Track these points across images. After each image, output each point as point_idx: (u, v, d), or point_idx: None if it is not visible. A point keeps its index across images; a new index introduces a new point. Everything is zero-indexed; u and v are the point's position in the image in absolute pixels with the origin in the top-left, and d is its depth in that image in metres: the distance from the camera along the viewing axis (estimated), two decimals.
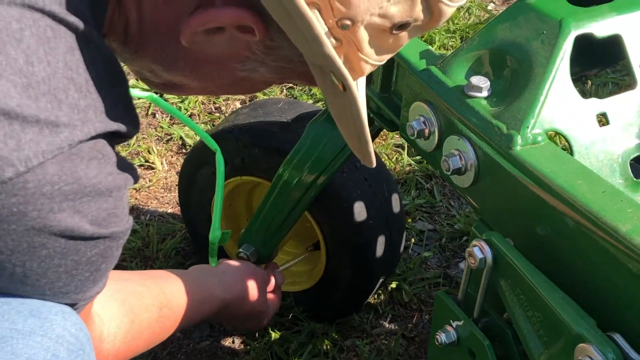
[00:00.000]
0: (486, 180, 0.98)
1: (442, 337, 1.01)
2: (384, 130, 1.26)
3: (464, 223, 1.89)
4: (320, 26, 0.69)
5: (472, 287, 0.99)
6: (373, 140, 1.37)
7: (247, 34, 0.75)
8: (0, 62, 0.61)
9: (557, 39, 0.95)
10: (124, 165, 0.73)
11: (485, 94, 0.99)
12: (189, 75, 0.84)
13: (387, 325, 1.65)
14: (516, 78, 0.98)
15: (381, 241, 1.47)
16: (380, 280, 1.57)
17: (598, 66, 1.28)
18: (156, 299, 1.04)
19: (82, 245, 0.70)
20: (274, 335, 1.58)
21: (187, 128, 2.14)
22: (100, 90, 0.68)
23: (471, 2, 2.81)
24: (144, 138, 2.15)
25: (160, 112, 2.24)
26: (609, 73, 2.35)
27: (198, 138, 1.52)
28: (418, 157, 2.08)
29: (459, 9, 2.67)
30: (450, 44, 2.54)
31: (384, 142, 2.12)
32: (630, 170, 1.00)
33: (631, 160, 1.00)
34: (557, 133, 0.96)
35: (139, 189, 1.99)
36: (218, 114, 2.24)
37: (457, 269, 1.79)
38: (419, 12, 0.74)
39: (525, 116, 0.93)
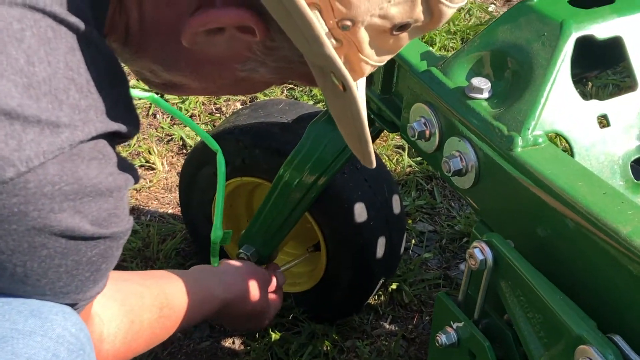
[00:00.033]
0: (487, 181, 0.98)
1: (442, 338, 1.01)
2: (385, 131, 1.26)
3: (464, 224, 1.89)
4: (320, 27, 0.69)
5: (472, 289, 0.99)
6: (374, 141, 1.37)
7: (248, 34, 0.75)
8: (1, 62, 0.61)
9: (558, 40, 0.95)
10: (125, 165, 0.73)
11: (486, 95, 1.00)
12: (189, 76, 0.84)
13: (387, 326, 1.65)
14: (517, 80, 0.98)
15: (381, 242, 1.47)
16: (381, 281, 1.57)
17: (599, 68, 1.29)
18: (157, 299, 1.04)
19: (82, 246, 0.70)
20: (274, 336, 1.58)
21: (187, 129, 2.14)
22: (101, 90, 0.68)
23: (472, 3, 2.81)
24: (144, 138, 2.15)
25: (161, 112, 2.24)
26: (609, 75, 2.35)
27: (199, 139, 1.52)
28: (418, 158, 2.08)
29: (459, 10, 2.68)
30: (450, 45, 2.54)
31: (384, 143, 2.12)
32: (630, 172, 1.00)
33: (632, 162, 1.00)
34: (558, 135, 0.96)
35: (140, 190, 1.99)
36: (219, 115, 2.24)
37: (458, 270, 1.79)
38: (419, 13, 0.74)
39: (526, 118, 0.93)
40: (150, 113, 2.25)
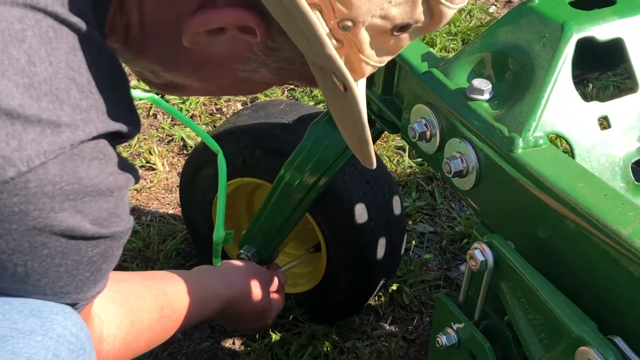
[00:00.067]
0: (487, 182, 0.98)
1: (442, 339, 1.01)
2: (385, 132, 1.26)
3: (464, 225, 1.89)
4: (321, 27, 0.69)
5: (472, 290, 0.99)
6: (374, 142, 1.37)
7: (249, 34, 0.75)
8: (2, 62, 0.62)
9: (559, 42, 0.95)
10: (125, 165, 0.73)
11: (487, 96, 0.99)
12: (190, 76, 0.84)
13: (387, 327, 1.65)
14: (518, 81, 0.98)
15: (382, 243, 1.47)
16: (381, 282, 1.57)
17: (600, 69, 1.28)
18: (157, 300, 1.04)
19: (83, 245, 0.70)
20: (275, 336, 1.58)
21: (188, 129, 2.14)
22: (102, 90, 0.69)
23: (472, 4, 2.81)
24: (145, 139, 2.15)
25: (162, 113, 2.24)
26: (610, 76, 2.35)
27: (199, 139, 1.52)
28: (419, 160, 2.08)
29: (460, 11, 2.68)
30: (451, 46, 2.54)
31: (385, 144, 2.12)
32: (631, 174, 1.00)
33: (632, 163, 1.00)
34: (559, 136, 0.96)
35: (140, 190, 1.99)
36: (219, 115, 2.24)
37: (458, 271, 1.79)
38: (419, 13, 0.74)
39: (527, 119, 0.93)
40: (151, 113, 2.25)
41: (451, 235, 1.89)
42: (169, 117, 2.23)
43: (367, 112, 1.15)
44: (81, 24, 0.67)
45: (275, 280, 1.40)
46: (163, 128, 2.18)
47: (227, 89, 0.89)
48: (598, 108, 0.99)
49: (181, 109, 2.23)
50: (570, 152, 0.97)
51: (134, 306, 0.99)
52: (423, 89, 1.06)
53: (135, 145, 2.11)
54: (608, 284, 0.83)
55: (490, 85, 1.00)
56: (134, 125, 0.74)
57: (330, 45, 0.70)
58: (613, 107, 1.00)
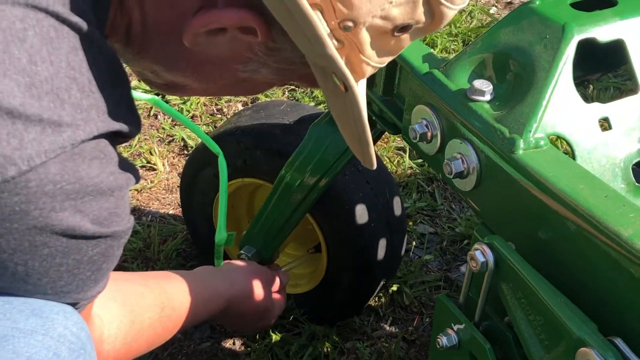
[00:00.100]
0: (488, 183, 0.98)
1: (443, 340, 1.01)
2: (386, 133, 1.26)
3: (465, 226, 1.89)
4: (322, 27, 0.69)
5: (473, 291, 0.99)
6: (375, 143, 1.37)
7: (249, 35, 0.75)
8: (3, 61, 0.62)
9: (560, 43, 0.95)
10: (126, 165, 0.73)
11: (487, 97, 0.99)
12: (190, 76, 0.84)
13: (387, 328, 1.65)
14: (519, 82, 0.98)
15: (382, 244, 1.47)
16: (381, 283, 1.57)
17: (600, 71, 1.28)
18: (158, 299, 1.04)
19: (83, 245, 0.70)
20: (275, 337, 1.58)
21: (189, 129, 2.14)
22: (103, 90, 0.69)
23: (473, 5, 2.81)
24: (145, 139, 2.15)
25: (162, 113, 2.24)
26: (610, 77, 2.35)
27: (200, 140, 1.52)
28: (420, 160, 2.08)
29: (460, 13, 2.68)
30: (452, 47, 2.54)
31: (385, 145, 2.12)
32: (632, 175, 1.00)
33: (633, 164, 1.00)
34: (560, 137, 0.96)
35: (141, 190, 1.99)
36: (220, 116, 2.24)
37: (458, 272, 1.79)
38: (420, 14, 0.74)
39: (528, 120, 0.93)
40: (152, 114, 2.25)
41: (451, 236, 1.89)
42: (169, 118, 2.23)
43: (368, 113, 1.15)
44: (82, 23, 0.67)
45: (277, 280, 1.40)
46: (164, 128, 2.19)
47: (228, 89, 0.89)
48: (599, 109, 0.99)
49: (182, 110, 2.23)
50: (571, 153, 0.97)
51: (135, 306, 0.99)
52: (424, 90, 1.06)
53: (135, 145, 2.12)
54: (608, 285, 0.83)
55: (491, 87, 1.00)
56: (135, 125, 0.74)
57: (331, 45, 0.70)
58: (614, 109, 1.00)
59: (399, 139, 2.12)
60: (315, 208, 1.40)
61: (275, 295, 1.38)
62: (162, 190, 2.00)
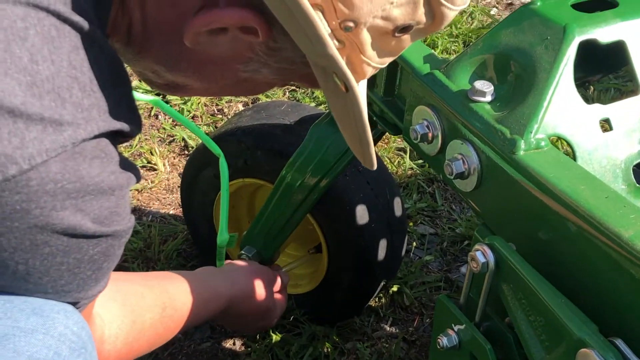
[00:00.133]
0: (489, 184, 0.98)
1: (443, 340, 1.01)
2: (387, 133, 1.26)
3: (465, 227, 1.89)
4: (323, 27, 0.69)
5: (474, 291, 0.99)
6: (375, 143, 1.37)
7: (250, 34, 0.75)
8: (5, 60, 0.62)
9: (561, 44, 0.95)
10: (127, 164, 0.74)
11: (488, 98, 0.99)
12: (191, 76, 0.84)
13: (388, 328, 1.65)
14: (520, 83, 0.98)
15: (383, 244, 1.47)
16: (382, 284, 1.57)
17: (601, 72, 1.28)
18: (159, 299, 1.03)
19: (84, 244, 0.70)
20: (275, 337, 1.58)
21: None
22: (104, 89, 0.69)
23: (474, 6, 2.81)
24: (146, 139, 2.15)
25: (163, 113, 2.24)
26: (611, 79, 2.35)
27: (201, 140, 1.52)
28: (420, 161, 2.08)
29: (461, 13, 2.68)
30: (453, 48, 2.54)
31: (386, 146, 2.12)
32: (632, 176, 1.00)
33: (634, 166, 1.00)
34: (560, 138, 0.96)
35: (141, 190, 1.99)
36: (220, 116, 2.24)
37: (458, 272, 1.79)
38: (421, 15, 0.74)
39: (529, 121, 0.93)
40: (152, 114, 2.25)
41: (452, 237, 1.89)
42: (170, 118, 2.23)
43: (369, 114, 1.15)
44: (83, 23, 0.67)
45: (278, 280, 1.40)
46: (164, 128, 2.19)
47: (229, 89, 0.89)
48: (600, 110, 0.99)
49: (182, 110, 2.23)
50: (571, 154, 0.97)
51: (136, 306, 0.99)
52: (425, 91, 1.06)
53: (136, 145, 2.12)
54: (609, 285, 0.83)
55: (492, 87, 1.00)
56: (136, 124, 0.74)
57: (332, 45, 0.70)
58: (615, 110, 1.00)
59: (399, 139, 2.12)
60: (316, 208, 1.40)
61: (277, 295, 1.38)
62: (162, 191, 2.00)
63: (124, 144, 2.00)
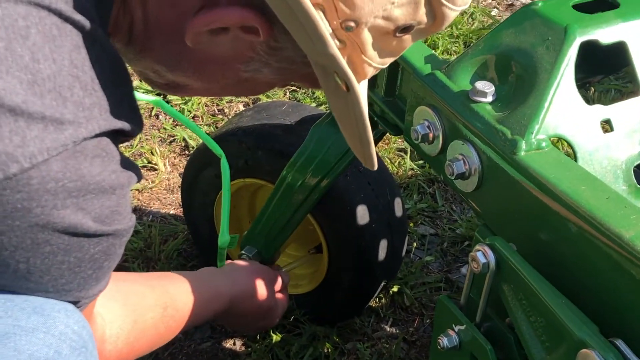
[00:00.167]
0: (490, 185, 0.98)
1: (444, 341, 1.01)
2: (387, 134, 1.26)
3: (465, 228, 1.89)
4: (324, 26, 0.69)
5: (474, 292, 0.99)
6: (376, 144, 1.37)
7: (252, 34, 0.75)
8: (6, 59, 0.62)
9: (562, 45, 0.95)
10: (128, 163, 0.74)
11: (489, 99, 0.99)
12: (192, 76, 0.84)
13: (388, 328, 1.65)
14: (521, 83, 0.98)
15: (383, 245, 1.47)
16: (382, 284, 1.57)
17: (602, 73, 1.29)
18: (160, 299, 1.03)
19: (85, 243, 0.70)
20: (275, 337, 1.58)
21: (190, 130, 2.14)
22: (105, 88, 0.69)
23: (475, 7, 2.81)
24: (147, 139, 2.15)
25: (164, 113, 2.24)
26: (611, 80, 2.35)
27: (201, 140, 1.52)
28: (421, 162, 2.08)
29: (462, 14, 2.68)
30: (453, 49, 2.54)
31: (386, 147, 2.12)
32: (633, 177, 1.00)
33: (635, 166, 1.00)
34: (561, 139, 0.96)
35: (142, 190, 1.99)
36: (221, 116, 2.24)
37: (459, 273, 1.79)
38: (422, 15, 0.74)
39: (530, 122, 0.93)
40: (153, 114, 2.25)
41: (452, 238, 1.89)
42: (171, 118, 2.23)
43: (369, 114, 1.15)
44: (85, 21, 0.67)
45: (279, 279, 1.40)
46: (165, 128, 2.19)
47: (229, 89, 0.89)
48: (601, 111, 0.99)
49: (183, 110, 2.23)
50: (572, 155, 0.97)
51: (137, 305, 0.98)
52: (426, 91, 1.06)
53: (137, 145, 2.12)
54: (610, 286, 0.83)
55: (493, 88, 1.00)
56: (137, 123, 0.74)
57: (333, 43, 0.70)
58: (616, 111, 1.00)
59: (400, 140, 2.12)
60: (317, 209, 1.40)
61: (279, 295, 1.38)
62: (163, 191, 2.00)
63: (125, 144, 2.00)
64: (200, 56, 0.80)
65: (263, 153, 1.44)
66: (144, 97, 1.48)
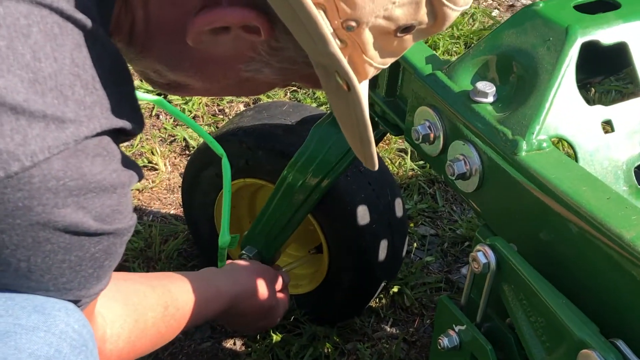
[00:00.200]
0: (490, 185, 0.98)
1: (444, 341, 1.01)
2: (388, 134, 1.26)
3: (466, 228, 1.89)
4: (325, 26, 0.69)
5: (475, 292, 0.99)
6: (377, 144, 1.37)
7: (253, 34, 0.75)
8: (7, 57, 0.62)
9: (563, 45, 0.95)
10: (128, 162, 0.73)
11: (490, 99, 0.99)
12: (193, 76, 0.84)
13: (388, 329, 1.65)
14: (522, 84, 0.98)
15: (383, 245, 1.47)
16: (382, 284, 1.57)
17: (603, 73, 1.28)
18: (161, 298, 1.03)
19: (86, 241, 0.70)
20: (275, 337, 1.58)
21: (190, 129, 2.14)
22: (106, 87, 0.69)
23: (475, 8, 2.81)
24: (147, 139, 2.15)
25: (164, 113, 2.24)
26: (612, 81, 2.35)
27: (202, 140, 1.52)
28: (421, 162, 2.08)
29: (463, 15, 2.68)
30: (454, 49, 2.54)
31: (387, 147, 2.12)
32: (634, 178, 1.00)
33: (635, 167, 1.00)
34: (562, 139, 0.96)
35: (142, 190, 1.99)
36: (222, 116, 2.24)
37: (459, 273, 1.79)
38: (423, 15, 0.74)
39: (531, 122, 0.93)
40: (154, 114, 2.25)
41: (452, 238, 1.89)
42: (171, 118, 2.23)
43: (370, 114, 1.15)
44: (86, 20, 0.67)
45: (280, 279, 1.40)
46: (165, 128, 2.19)
47: (230, 89, 0.89)
48: (601, 112, 0.99)
49: (184, 110, 2.23)
50: (573, 155, 0.97)
51: (138, 305, 0.98)
52: (427, 92, 1.06)
53: (137, 145, 2.12)
54: (610, 286, 0.83)
55: (494, 88, 1.00)
56: (138, 123, 0.74)
57: (334, 43, 0.70)
58: (616, 111, 1.00)
59: (400, 140, 2.12)
60: (317, 209, 1.40)
61: (279, 295, 1.38)
62: (163, 190, 2.00)
63: (125, 144, 2.00)
64: (201, 56, 0.80)
65: (264, 153, 1.44)
66: (146, 96, 1.48)
